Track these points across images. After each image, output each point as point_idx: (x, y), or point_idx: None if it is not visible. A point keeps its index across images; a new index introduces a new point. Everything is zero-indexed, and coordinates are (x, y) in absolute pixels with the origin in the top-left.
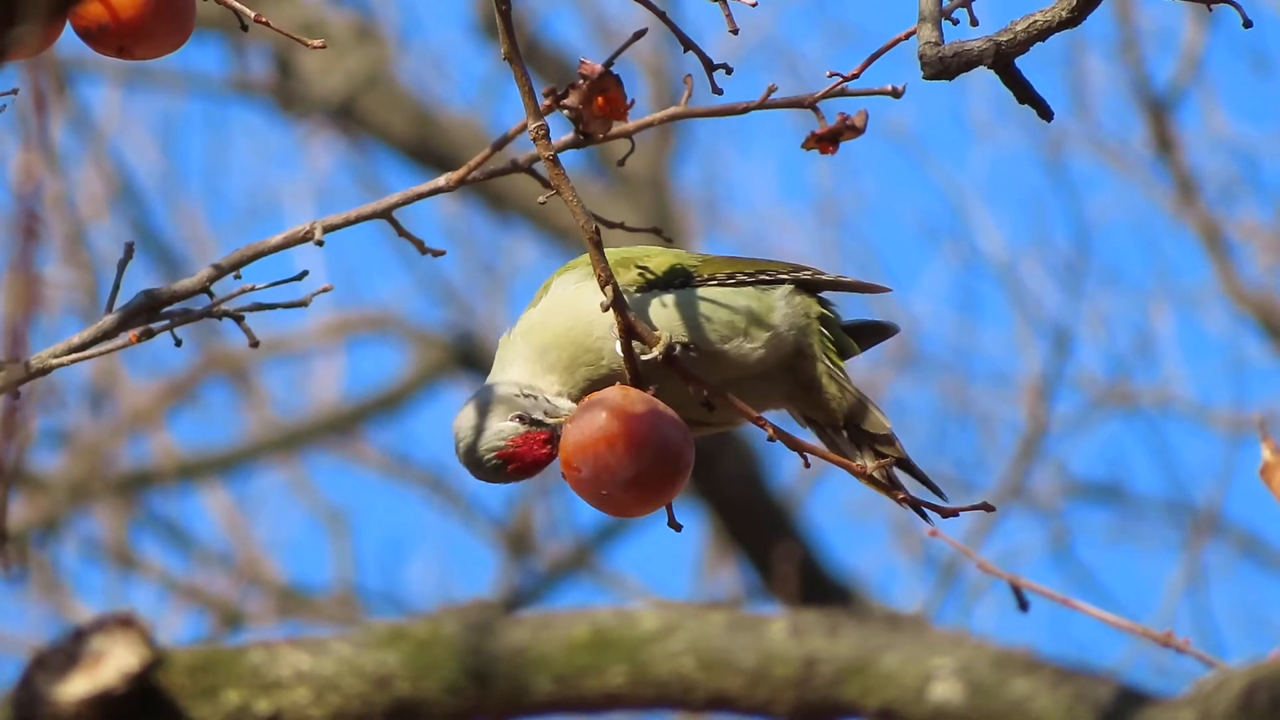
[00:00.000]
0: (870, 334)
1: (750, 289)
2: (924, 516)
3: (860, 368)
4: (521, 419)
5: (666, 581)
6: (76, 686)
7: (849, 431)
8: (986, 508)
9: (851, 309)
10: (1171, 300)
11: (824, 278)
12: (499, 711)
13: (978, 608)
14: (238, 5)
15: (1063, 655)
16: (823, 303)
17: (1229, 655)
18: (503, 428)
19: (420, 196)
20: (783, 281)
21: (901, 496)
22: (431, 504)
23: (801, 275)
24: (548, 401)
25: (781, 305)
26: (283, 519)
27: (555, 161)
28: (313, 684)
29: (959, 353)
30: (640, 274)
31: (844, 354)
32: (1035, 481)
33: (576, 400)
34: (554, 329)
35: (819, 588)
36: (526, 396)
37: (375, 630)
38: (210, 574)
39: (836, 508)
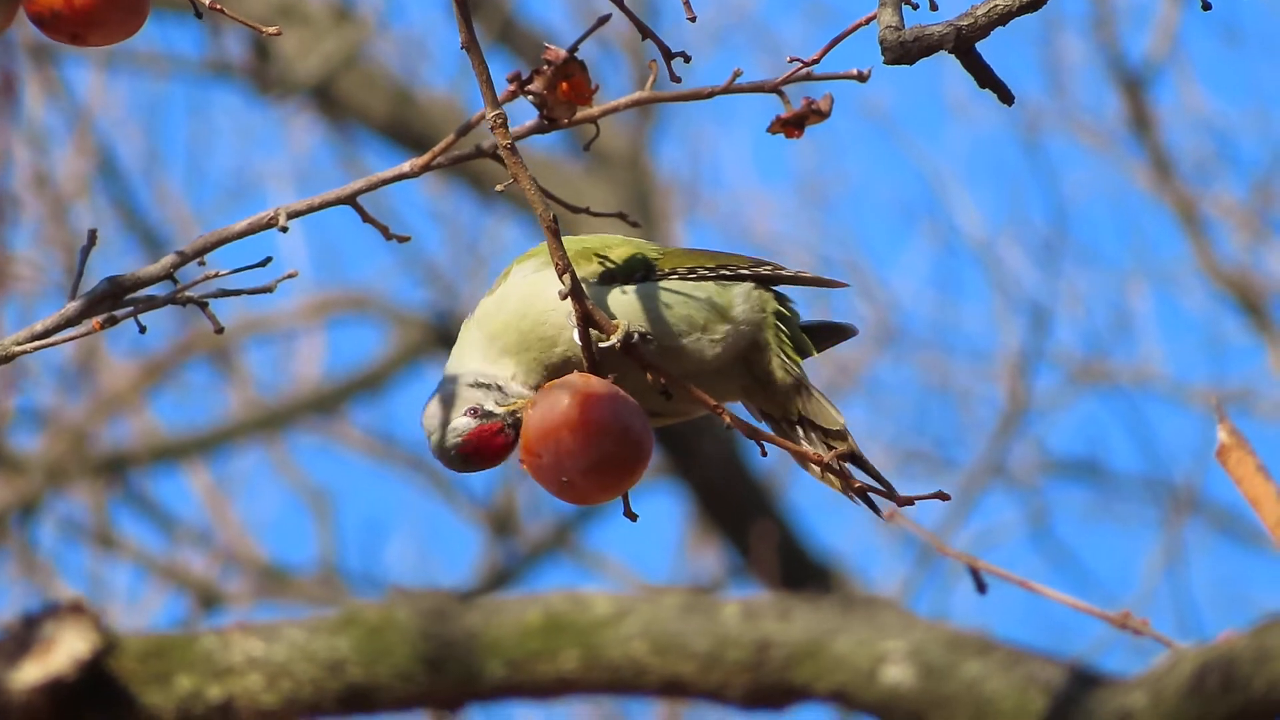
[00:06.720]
0: (829, 335)
1: (710, 284)
2: (874, 509)
3: (841, 347)
4: (474, 412)
5: (648, 563)
6: (28, 673)
7: (803, 426)
8: (942, 496)
9: (834, 302)
10: (1149, 278)
11: (784, 273)
12: (452, 697)
13: (957, 588)
14: None
15: (1016, 638)
16: (781, 299)
17: (1208, 633)
18: (457, 424)
19: (385, 182)
20: (744, 278)
21: (857, 484)
22: (413, 484)
23: (761, 270)
24: (499, 390)
25: (740, 302)
26: (264, 499)
27: (512, 150)
28: (265, 670)
29: (938, 330)
30: (600, 264)
31: (801, 352)
32: (1014, 459)
33: (535, 388)
34: (508, 315)
35: (800, 569)
36: (480, 386)
37: (327, 616)
38: (191, 554)
39: (817, 490)
